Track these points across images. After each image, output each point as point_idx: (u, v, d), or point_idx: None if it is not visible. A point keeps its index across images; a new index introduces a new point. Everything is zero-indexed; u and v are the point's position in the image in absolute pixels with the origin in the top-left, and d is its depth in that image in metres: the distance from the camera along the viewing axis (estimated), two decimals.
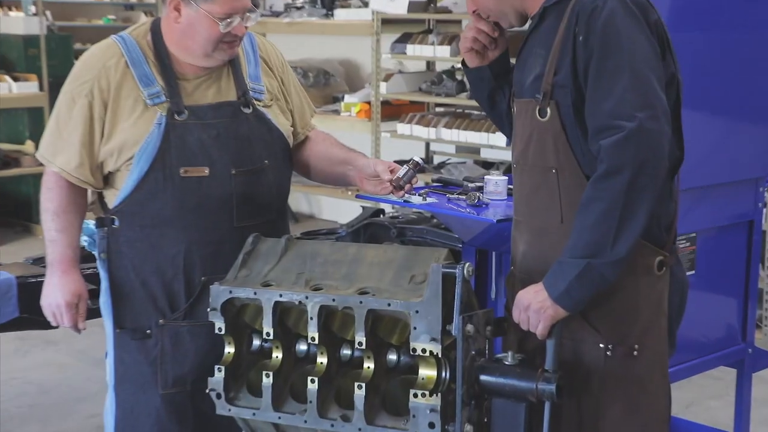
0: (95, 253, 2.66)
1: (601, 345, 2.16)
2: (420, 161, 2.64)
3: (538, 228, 2.21)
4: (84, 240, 2.73)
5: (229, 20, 2.46)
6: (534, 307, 2.10)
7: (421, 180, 6.63)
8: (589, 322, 2.16)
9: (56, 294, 2.54)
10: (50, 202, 2.54)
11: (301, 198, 8.26)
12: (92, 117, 2.50)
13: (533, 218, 2.22)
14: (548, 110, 2.14)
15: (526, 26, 2.31)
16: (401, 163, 2.66)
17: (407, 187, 2.62)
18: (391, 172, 2.60)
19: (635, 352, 2.16)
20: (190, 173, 2.50)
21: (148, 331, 2.55)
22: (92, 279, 2.88)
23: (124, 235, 2.54)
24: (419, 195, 3.20)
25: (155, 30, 2.57)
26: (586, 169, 2.12)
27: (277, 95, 2.71)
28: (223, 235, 2.53)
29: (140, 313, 2.56)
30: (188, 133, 2.51)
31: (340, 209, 7.76)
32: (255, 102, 2.62)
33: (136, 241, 2.53)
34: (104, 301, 2.61)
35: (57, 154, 2.53)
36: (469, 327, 2.11)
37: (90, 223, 2.69)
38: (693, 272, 2.93)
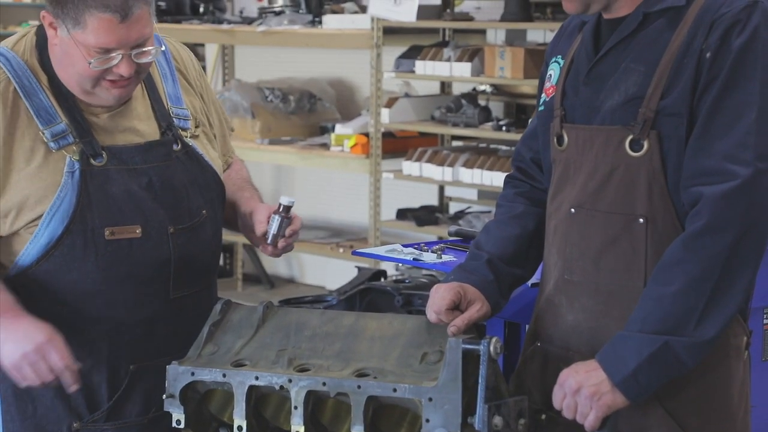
0: None
1: None
2: (288, 202, 2.61)
3: (607, 291, 2.25)
4: None
5: (105, 56, 2.41)
6: (586, 391, 2.13)
7: (434, 234, 6.70)
8: (673, 415, 2.20)
9: (23, 342, 2.37)
10: None
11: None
12: None
13: (602, 278, 2.25)
14: (645, 143, 2.18)
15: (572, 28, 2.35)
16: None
17: (281, 242, 2.62)
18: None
19: None
20: (118, 235, 2.49)
21: None
22: None
23: None
24: (432, 251, 3.26)
25: (42, 44, 2.53)
26: (684, 221, 2.16)
27: (200, 119, 2.72)
28: (156, 310, 2.54)
29: (47, 416, 2.53)
30: (111, 183, 2.50)
31: (329, 271, 7.82)
32: (181, 133, 2.63)
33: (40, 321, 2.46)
34: None
35: None
36: (497, 419, 2.16)
37: None
38: None
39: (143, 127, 2.58)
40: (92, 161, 2.49)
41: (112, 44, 2.40)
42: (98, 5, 2.37)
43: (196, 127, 2.67)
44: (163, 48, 2.63)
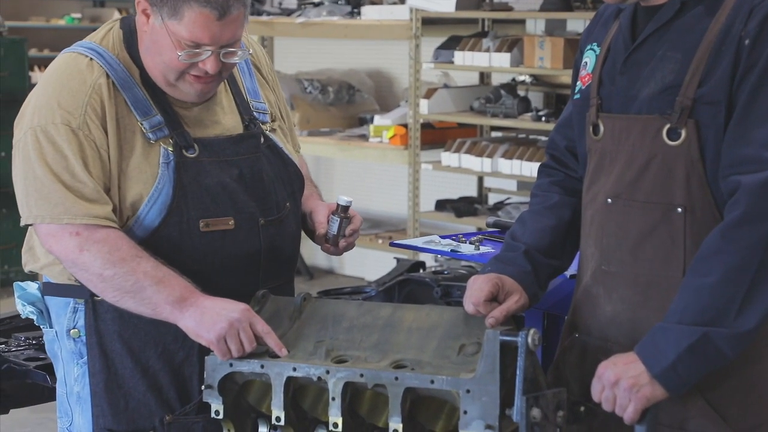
0: (44, 327, 2.65)
1: None
2: (345, 202, 2.64)
3: (645, 282, 2.24)
4: (29, 311, 2.65)
5: (195, 50, 2.43)
6: (625, 383, 2.12)
7: (473, 225, 6.69)
8: (712, 404, 2.18)
9: (224, 313, 2.37)
10: (117, 251, 2.41)
11: (316, 248, 8.32)
12: (99, 155, 2.45)
13: (639, 269, 2.24)
14: (683, 132, 2.17)
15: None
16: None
17: (342, 242, 2.66)
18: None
19: None
20: (212, 227, 2.51)
21: None
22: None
23: (114, 309, 2.50)
24: (470, 243, 3.25)
25: (129, 38, 2.55)
26: (723, 210, 2.14)
27: (276, 113, 2.75)
28: (245, 302, 2.50)
29: (139, 410, 2.55)
30: (204, 175, 2.52)
31: (368, 262, 7.82)
32: (261, 126, 2.66)
33: (132, 317, 2.50)
34: (73, 394, 2.59)
35: (75, 207, 2.42)
36: (536, 411, 2.15)
37: (30, 286, 2.65)
38: None
39: (228, 120, 2.61)
40: (185, 153, 2.51)
41: (205, 40, 2.42)
42: None
43: (273, 120, 2.71)
44: (251, 51, 2.65)
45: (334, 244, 2.67)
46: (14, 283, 2.71)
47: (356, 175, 8.14)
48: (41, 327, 2.69)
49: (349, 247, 2.70)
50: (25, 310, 2.66)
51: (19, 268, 7.34)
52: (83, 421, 2.59)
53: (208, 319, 2.37)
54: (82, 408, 2.58)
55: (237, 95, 2.65)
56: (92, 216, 2.42)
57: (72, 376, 2.59)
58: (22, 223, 2.51)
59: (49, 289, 2.60)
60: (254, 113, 2.66)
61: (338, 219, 2.64)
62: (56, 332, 2.61)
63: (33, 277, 2.70)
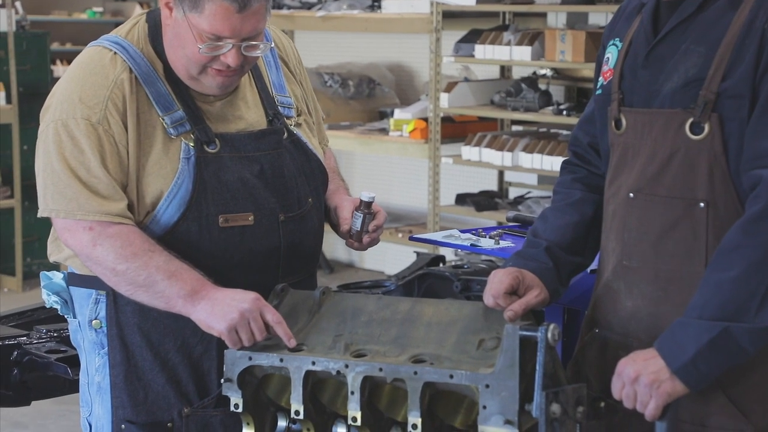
0: (68, 317, 2.66)
1: None
2: (368, 197, 2.65)
3: (666, 277, 2.23)
4: (54, 301, 2.68)
5: (216, 43, 2.43)
6: (645, 379, 2.11)
7: (494, 219, 6.67)
8: (733, 401, 2.17)
9: (235, 303, 2.38)
10: (129, 246, 2.42)
11: (336, 242, 8.35)
12: (117, 150, 2.46)
13: (661, 263, 2.23)
14: (706, 126, 2.16)
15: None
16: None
17: (365, 238, 2.66)
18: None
19: None
20: (232, 222, 2.51)
21: (169, 425, 2.55)
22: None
23: (134, 302, 2.50)
24: (490, 237, 3.24)
25: (154, 32, 2.56)
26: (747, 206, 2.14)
27: (302, 107, 2.75)
28: (265, 298, 2.49)
29: (157, 402, 2.56)
30: (225, 170, 2.52)
31: (388, 256, 7.83)
32: (286, 121, 2.66)
33: (151, 310, 2.50)
34: (94, 384, 2.61)
35: (89, 203, 2.43)
36: (555, 407, 2.15)
37: (56, 276, 2.67)
38: None
39: (251, 115, 2.61)
40: (206, 148, 2.51)
41: (226, 33, 2.42)
42: None
43: (299, 115, 2.71)
44: (272, 44, 2.64)
45: (357, 240, 2.67)
46: (41, 272, 2.73)
47: (376, 169, 8.13)
48: (65, 317, 2.70)
49: (373, 242, 2.70)
50: (50, 300, 2.68)
51: (42, 261, 7.40)
52: (102, 411, 2.60)
53: (219, 310, 2.38)
54: (102, 398, 2.60)
55: (262, 90, 2.65)
56: (105, 213, 2.43)
57: (93, 366, 2.61)
58: (39, 214, 2.52)
59: (74, 279, 2.62)
60: (279, 108, 2.66)
61: (361, 215, 2.65)
62: (79, 322, 2.63)
63: (59, 266, 2.72)
